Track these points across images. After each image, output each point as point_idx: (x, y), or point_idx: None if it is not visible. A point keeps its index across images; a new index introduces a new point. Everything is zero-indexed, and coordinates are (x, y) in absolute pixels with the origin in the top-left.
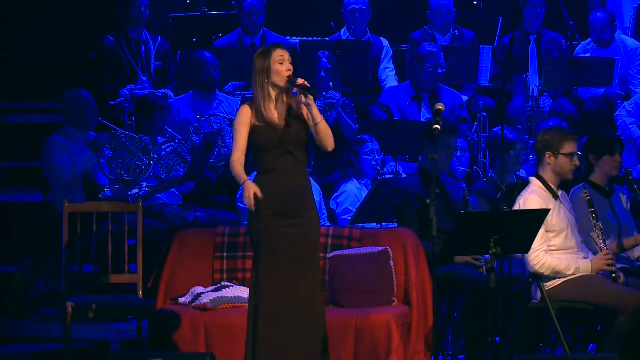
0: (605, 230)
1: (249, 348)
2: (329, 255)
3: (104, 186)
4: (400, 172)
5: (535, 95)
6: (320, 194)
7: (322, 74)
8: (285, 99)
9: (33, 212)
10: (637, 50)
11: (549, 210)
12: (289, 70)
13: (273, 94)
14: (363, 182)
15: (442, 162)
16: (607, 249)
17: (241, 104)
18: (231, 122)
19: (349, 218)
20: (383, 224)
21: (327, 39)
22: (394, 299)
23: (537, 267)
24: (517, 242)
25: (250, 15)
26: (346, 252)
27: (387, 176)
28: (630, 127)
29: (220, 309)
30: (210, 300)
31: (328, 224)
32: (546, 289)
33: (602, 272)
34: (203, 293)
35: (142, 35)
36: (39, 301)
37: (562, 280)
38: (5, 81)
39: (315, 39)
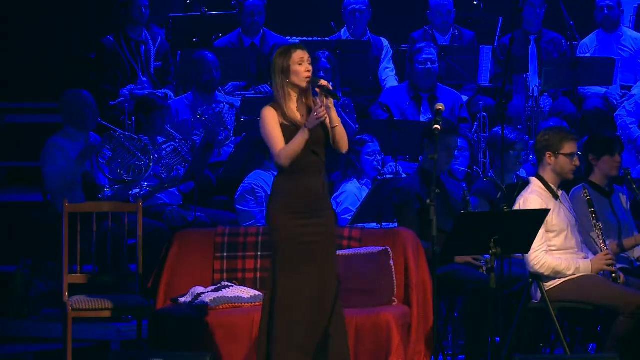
0: (605, 230)
1: (263, 349)
2: None
3: (104, 186)
4: (400, 172)
5: (535, 95)
6: None
7: (322, 74)
8: (305, 100)
9: (33, 212)
10: None
11: (549, 210)
12: (308, 71)
13: (293, 94)
14: (363, 182)
15: (442, 162)
16: (607, 249)
17: (263, 108)
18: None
19: (349, 218)
20: (383, 224)
21: (327, 39)
22: (394, 299)
23: (537, 267)
24: (517, 242)
25: (252, 15)
26: (346, 252)
27: (387, 176)
28: (630, 127)
29: (220, 309)
30: (210, 300)
31: None
32: (546, 289)
33: (602, 272)
34: (203, 293)
35: (142, 35)
36: (39, 301)
37: (562, 280)
38: (5, 81)
39: (315, 39)
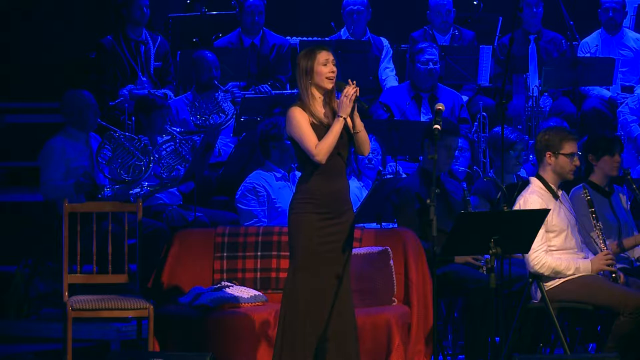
0: (605, 230)
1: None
2: None
3: (104, 186)
4: (400, 172)
5: (535, 95)
6: None
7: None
8: (330, 101)
9: (33, 212)
10: None
11: (549, 210)
12: (332, 72)
13: (318, 95)
14: (363, 182)
15: (443, 162)
16: (607, 249)
17: (290, 108)
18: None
19: None
20: (383, 224)
21: (327, 39)
22: (394, 299)
23: (537, 267)
24: (517, 242)
25: (253, 15)
26: None
27: (387, 176)
28: (631, 125)
29: (220, 309)
30: (210, 300)
31: None
32: (546, 289)
33: (602, 272)
34: (203, 293)
35: (142, 35)
36: (39, 301)
37: (562, 280)
38: (5, 81)
39: (315, 39)
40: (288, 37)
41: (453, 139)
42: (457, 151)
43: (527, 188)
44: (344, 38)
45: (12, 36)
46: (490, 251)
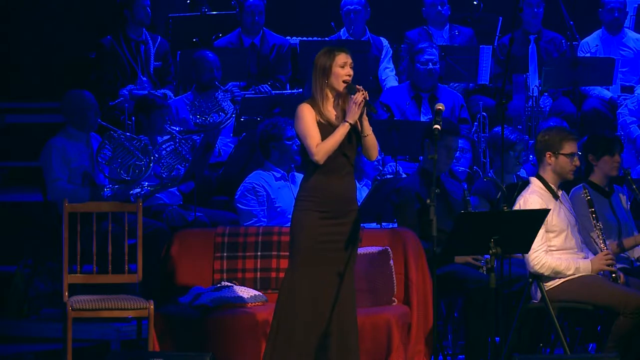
0: (605, 230)
1: (273, 348)
2: None
3: (104, 186)
4: (400, 172)
5: (535, 95)
6: None
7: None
8: (341, 102)
9: (33, 212)
10: None
11: (549, 210)
12: (349, 75)
13: (330, 95)
14: (363, 182)
15: (443, 163)
16: (607, 249)
17: (300, 104)
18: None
19: None
20: (383, 224)
21: (326, 39)
22: (394, 299)
23: (537, 267)
24: (517, 242)
25: (253, 15)
26: None
27: (387, 176)
28: (630, 126)
29: (220, 309)
30: (210, 300)
31: None
32: (546, 289)
33: (602, 272)
34: (203, 293)
35: (142, 35)
36: (39, 301)
37: (562, 280)
38: (5, 81)
39: (315, 38)
40: (288, 37)
41: (453, 139)
42: (458, 152)
43: (527, 188)
44: (343, 38)
45: (12, 36)
46: (490, 251)
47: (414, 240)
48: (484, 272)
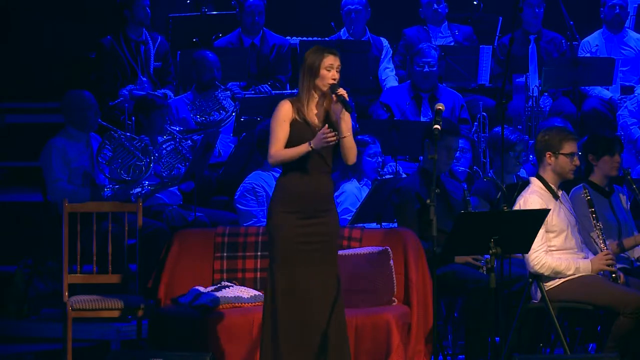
0: (605, 230)
1: (268, 350)
2: None
3: (104, 186)
4: (400, 172)
5: (535, 95)
6: None
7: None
8: (325, 103)
9: (33, 212)
10: None
11: (549, 210)
12: (334, 79)
13: (315, 94)
14: (363, 182)
15: (443, 163)
16: (607, 249)
17: (282, 100)
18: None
19: (349, 218)
20: (383, 224)
21: (327, 39)
22: (394, 299)
23: (537, 267)
24: (517, 242)
25: (253, 15)
26: (346, 252)
27: (387, 176)
28: (631, 127)
29: (220, 309)
30: (210, 300)
31: None
32: (546, 289)
33: (602, 272)
34: (203, 293)
35: (142, 35)
36: (39, 301)
37: (562, 280)
38: (5, 81)
39: (315, 39)
40: (288, 37)
41: (453, 139)
42: (458, 152)
43: (527, 188)
44: (343, 38)
45: (12, 36)
46: (490, 251)
47: (414, 240)
48: (484, 272)
